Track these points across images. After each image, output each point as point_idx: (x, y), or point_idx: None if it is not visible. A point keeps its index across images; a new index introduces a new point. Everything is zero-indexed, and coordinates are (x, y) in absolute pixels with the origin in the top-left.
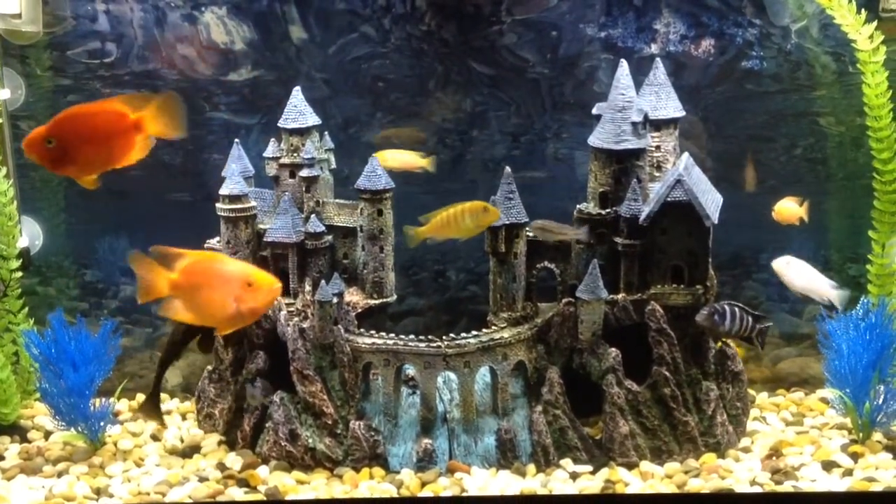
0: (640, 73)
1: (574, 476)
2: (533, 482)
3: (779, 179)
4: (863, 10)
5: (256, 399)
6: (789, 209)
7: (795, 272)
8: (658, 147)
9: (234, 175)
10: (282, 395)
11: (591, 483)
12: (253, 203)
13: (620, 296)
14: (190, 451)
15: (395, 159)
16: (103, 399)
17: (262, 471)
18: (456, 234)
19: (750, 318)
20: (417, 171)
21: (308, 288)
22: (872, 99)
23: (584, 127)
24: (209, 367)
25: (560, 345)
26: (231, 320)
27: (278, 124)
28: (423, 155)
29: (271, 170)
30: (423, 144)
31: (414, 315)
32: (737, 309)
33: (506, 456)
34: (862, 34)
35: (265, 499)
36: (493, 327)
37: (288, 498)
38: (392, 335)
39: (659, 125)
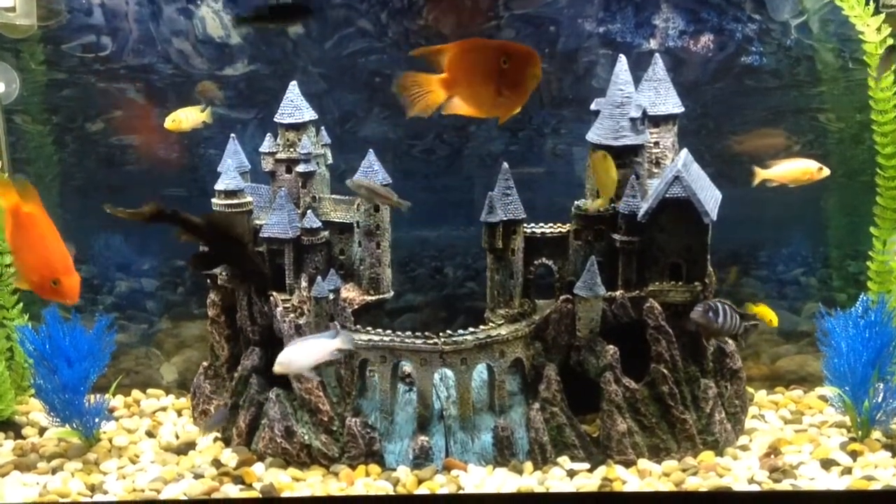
0: (638, 69)
1: (571, 474)
2: (530, 480)
3: None
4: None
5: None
6: (806, 168)
7: None
8: (657, 143)
9: (230, 170)
10: (278, 391)
11: (589, 481)
12: (249, 198)
13: (618, 293)
14: (185, 447)
15: (188, 119)
16: (98, 395)
17: (258, 468)
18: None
19: (738, 317)
20: (201, 126)
21: (304, 284)
22: (877, 93)
23: (582, 122)
24: (205, 364)
25: (558, 342)
26: (501, 106)
27: (275, 119)
28: (202, 109)
29: (267, 165)
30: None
31: (411, 311)
32: (727, 307)
33: (503, 453)
34: (870, 26)
35: (260, 496)
36: (491, 324)
37: (283, 495)
38: (389, 332)
39: (658, 121)
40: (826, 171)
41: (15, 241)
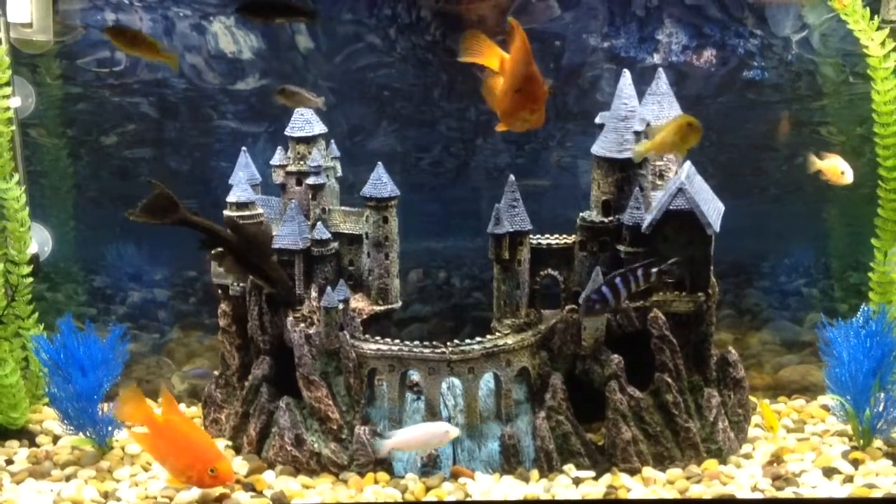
0: (642, 83)
1: (577, 481)
2: (536, 487)
3: (780, 188)
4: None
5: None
6: (834, 166)
7: None
8: (660, 156)
9: (242, 182)
10: (288, 400)
11: (594, 489)
12: (260, 210)
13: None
14: None
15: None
16: (111, 404)
17: (268, 475)
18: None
19: (640, 274)
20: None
21: (314, 294)
22: (881, 106)
23: (587, 136)
24: (216, 373)
25: (563, 351)
26: (508, 117)
27: (285, 133)
28: None
29: (278, 177)
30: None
31: (419, 321)
32: (616, 279)
33: (509, 461)
34: (874, 40)
35: (271, 503)
36: (497, 334)
37: (293, 502)
38: (397, 341)
39: None
40: (848, 180)
41: (158, 450)
